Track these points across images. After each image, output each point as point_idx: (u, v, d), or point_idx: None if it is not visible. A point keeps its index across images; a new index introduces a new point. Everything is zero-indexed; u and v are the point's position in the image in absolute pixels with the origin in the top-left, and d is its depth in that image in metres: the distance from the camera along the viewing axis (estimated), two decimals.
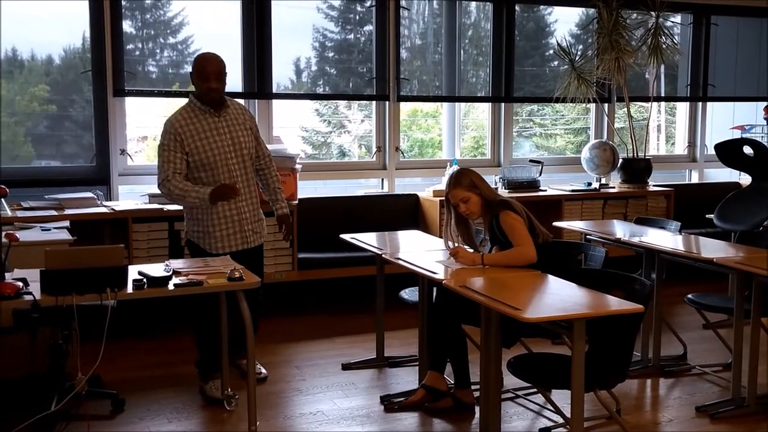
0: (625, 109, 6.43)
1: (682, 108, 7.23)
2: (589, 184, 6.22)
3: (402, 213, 5.75)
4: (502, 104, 6.33)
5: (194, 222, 3.82)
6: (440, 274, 3.33)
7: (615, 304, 2.85)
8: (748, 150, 5.62)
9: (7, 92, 5.02)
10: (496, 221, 3.53)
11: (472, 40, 6.42)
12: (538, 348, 3.80)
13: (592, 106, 6.68)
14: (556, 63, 6.61)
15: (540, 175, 6.08)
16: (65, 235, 3.94)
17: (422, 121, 6.67)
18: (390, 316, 4.38)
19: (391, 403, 3.71)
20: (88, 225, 4.57)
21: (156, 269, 3.20)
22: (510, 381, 3.55)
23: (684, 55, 6.84)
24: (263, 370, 4.08)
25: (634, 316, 2.89)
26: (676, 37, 6.75)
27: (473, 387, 3.64)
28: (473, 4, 6.27)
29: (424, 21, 6.22)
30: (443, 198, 3.74)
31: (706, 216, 5.68)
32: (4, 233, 3.18)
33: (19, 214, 4.44)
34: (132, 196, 5.21)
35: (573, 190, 6.04)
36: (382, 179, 6.02)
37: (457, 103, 6.36)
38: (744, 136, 6.88)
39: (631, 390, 3.97)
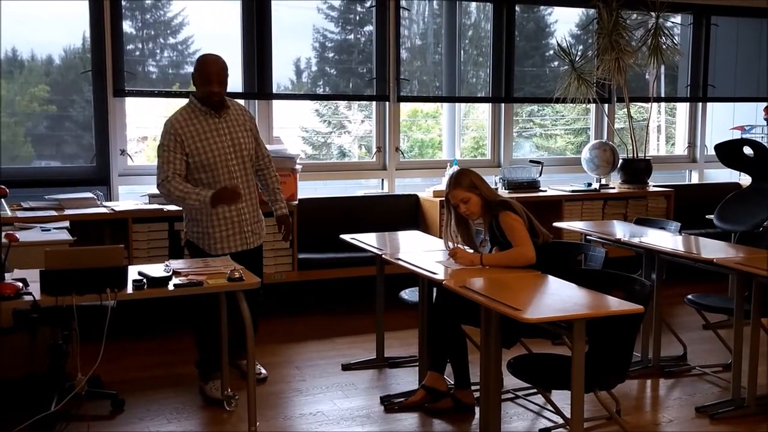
0: (625, 109, 6.43)
1: (682, 108, 7.24)
2: (589, 184, 6.22)
3: (402, 213, 5.75)
4: (502, 105, 6.34)
5: (194, 223, 3.81)
6: (440, 275, 3.33)
7: (615, 304, 2.85)
8: (748, 150, 5.62)
9: (7, 92, 5.02)
10: (495, 222, 3.53)
11: (473, 41, 6.42)
12: (538, 348, 3.80)
13: (592, 106, 6.68)
14: (556, 63, 6.61)
15: (540, 175, 6.08)
16: (65, 236, 3.94)
17: (422, 121, 6.67)
18: (390, 317, 4.38)
19: (391, 404, 3.71)
20: (88, 225, 4.57)
21: (156, 269, 3.20)
22: (510, 381, 3.55)
23: (684, 55, 6.85)
24: (263, 371, 4.08)
25: (634, 317, 2.89)
26: (676, 37, 6.76)
27: (473, 387, 3.64)
28: (473, 4, 6.27)
29: (424, 21, 6.22)
30: (443, 198, 3.74)
31: (706, 216, 5.68)
32: (4, 233, 3.18)
33: (19, 214, 4.44)
34: (132, 196, 5.21)
35: (573, 191, 6.04)
36: (382, 180, 6.02)
37: (457, 104, 6.36)
38: (744, 136, 6.88)
39: (631, 390, 3.97)
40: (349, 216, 5.53)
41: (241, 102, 5.05)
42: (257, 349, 3.44)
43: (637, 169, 6.31)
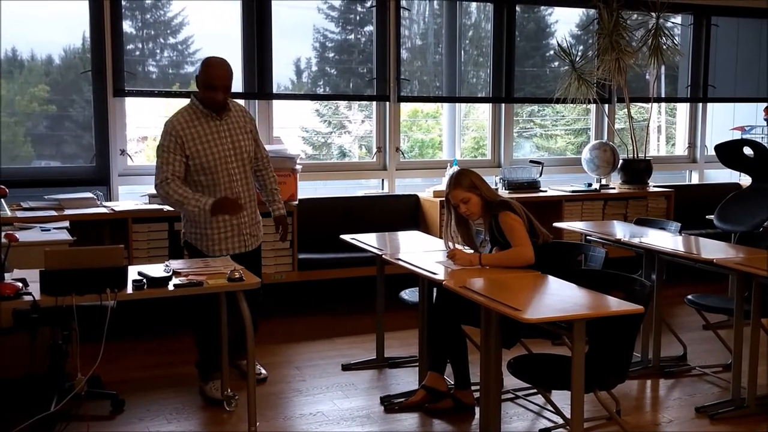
0: (626, 109, 6.43)
1: (683, 109, 7.24)
2: (590, 184, 6.22)
3: (402, 213, 5.75)
4: (503, 105, 6.33)
5: (192, 224, 3.80)
6: (440, 275, 3.32)
7: (615, 304, 2.85)
8: (748, 151, 5.61)
9: (6, 92, 5.02)
10: (495, 222, 3.53)
11: (473, 41, 6.42)
12: (538, 349, 3.80)
13: (593, 106, 6.68)
14: (556, 64, 6.61)
15: (540, 175, 6.08)
16: (65, 236, 3.94)
17: (422, 121, 6.67)
18: (390, 317, 4.38)
19: (391, 404, 3.71)
20: (87, 225, 4.57)
21: (156, 270, 3.19)
22: (510, 382, 3.55)
23: (684, 55, 6.84)
24: (263, 371, 4.08)
25: (634, 317, 2.89)
26: (676, 37, 6.75)
27: (473, 388, 3.64)
28: (474, 4, 6.27)
29: (425, 21, 6.22)
30: (443, 199, 3.74)
31: (706, 217, 5.68)
32: (3, 233, 3.18)
33: (19, 214, 4.44)
34: (132, 196, 5.21)
35: (573, 191, 6.04)
36: (383, 180, 6.02)
37: (457, 104, 6.36)
38: (744, 137, 6.87)
39: (631, 391, 3.97)
40: (349, 216, 5.53)
41: (241, 102, 5.05)
42: (257, 350, 3.44)
43: (638, 170, 6.31)
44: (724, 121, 7.39)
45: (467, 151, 6.60)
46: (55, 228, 4.10)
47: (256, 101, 5.53)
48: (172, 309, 4.04)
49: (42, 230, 4.04)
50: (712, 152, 6.49)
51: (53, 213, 4.51)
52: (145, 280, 3.03)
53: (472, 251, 3.62)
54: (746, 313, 3.65)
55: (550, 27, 6.69)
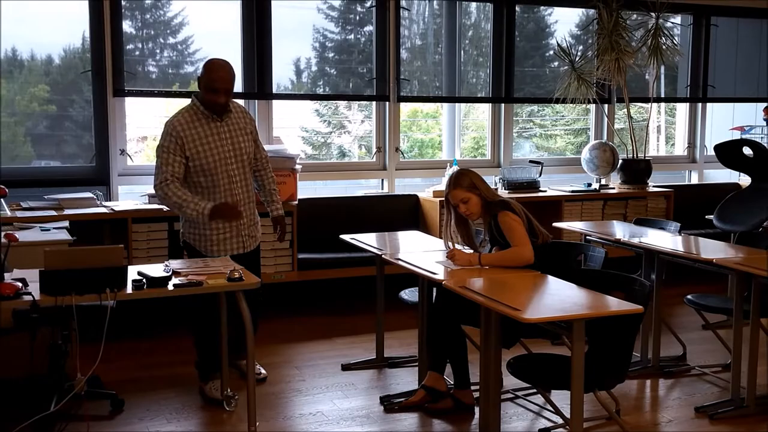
0: (625, 109, 6.44)
1: (682, 109, 7.24)
2: (589, 184, 6.22)
3: (402, 213, 5.75)
4: (502, 105, 6.34)
5: (190, 224, 3.79)
6: (440, 275, 3.33)
7: (614, 304, 2.85)
8: (747, 151, 5.61)
9: (6, 92, 5.02)
10: (494, 222, 3.53)
11: (473, 41, 6.42)
12: (538, 348, 3.80)
13: (592, 106, 6.68)
14: (556, 64, 6.61)
15: (540, 175, 6.08)
16: (65, 236, 3.94)
17: (422, 121, 6.67)
18: (390, 317, 4.38)
19: (390, 404, 3.71)
20: (87, 225, 4.57)
21: (155, 269, 3.20)
22: (509, 381, 3.55)
23: (684, 56, 6.84)
24: (263, 371, 4.08)
25: (633, 317, 2.89)
26: (676, 38, 6.76)
27: (473, 387, 3.64)
28: (473, 4, 6.27)
29: (425, 21, 6.22)
30: (443, 198, 3.74)
31: (706, 217, 5.68)
32: (3, 233, 3.18)
33: (19, 214, 4.44)
34: (131, 196, 5.21)
35: (573, 191, 6.04)
36: (382, 180, 6.02)
37: (457, 104, 6.36)
38: (744, 137, 6.87)
39: (631, 390, 3.97)
40: (349, 216, 5.54)
41: (241, 102, 5.05)
42: (257, 349, 3.44)
43: (637, 170, 6.31)
44: (724, 121, 7.39)
45: (467, 151, 6.60)
46: (54, 228, 4.10)
47: (256, 101, 5.53)
48: (172, 309, 4.04)
49: (42, 230, 4.04)
50: (711, 152, 6.49)
51: (53, 213, 4.51)
52: (144, 280, 3.03)
53: (471, 251, 3.62)
54: (745, 313, 3.65)
55: (550, 27, 6.69)
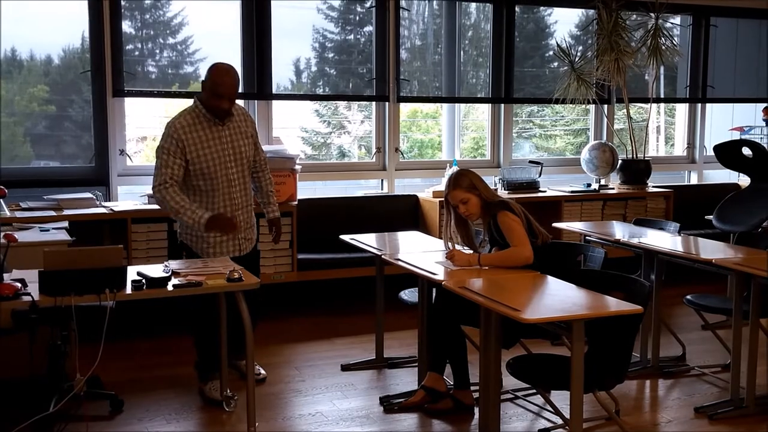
0: (625, 110, 6.44)
1: (682, 109, 7.24)
2: (589, 185, 6.22)
3: (402, 214, 5.75)
4: (502, 105, 6.34)
5: (187, 225, 3.79)
6: (440, 275, 3.33)
7: (614, 305, 2.85)
8: (747, 151, 5.61)
9: (6, 92, 5.02)
10: (494, 222, 3.53)
11: (472, 41, 6.42)
12: (538, 349, 3.80)
13: (592, 107, 6.68)
14: (555, 64, 6.61)
15: (539, 176, 6.08)
16: (64, 236, 3.94)
17: (422, 121, 6.67)
18: (390, 317, 4.38)
19: (390, 404, 3.71)
20: (87, 225, 4.56)
21: (155, 270, 3.20)
22: (509, 382, 3.55)
23: (683, 56, 6.85)
24: (262, 371, 4.08)
25: (633, 317, 2.89)
26: (675, 38, 6.76)
27: (473, 388, 3.64)
28: (473, 5, 6.27)
29: (424, 22, 6.22)
30: (443, 199, 3.74)
31: (705, 217, 5.68)
32: (2, 234, 3.18)
33: (18, 214, 4.44)
34: (131, 196, 5.20)
35: (572, 191, 6.04)
36: (382, 180, 6.02)
37: (456, 104, 6.36)
38: (743, 137, 6.87)
39: (630, 391, 3.97)
40: (348, 216, 5.53)
41: (241, 103, 5.04)
42: (256, 350, 3.44)
43: (637, 170, 6.31)
44: (723, 121, 7.39)
45: (467, 152, 6.60)
46: (54, 228, 4.10)
47: (256, 101, 5.53)
48: (172, 310, 4.04)
49: (41, 230, 4.03)
50: (711, 153, 6.49)
51: (52, 213, 4.51)
52: (144, 281, 3.03)
53: (471, 251, 3.62)
54: (745, 313, 3.65)
55: (550, 27, 6.69)
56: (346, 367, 4.23)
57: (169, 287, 3.05)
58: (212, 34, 5.44)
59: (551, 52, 6.60)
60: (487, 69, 6.30)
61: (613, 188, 6.33)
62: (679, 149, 7.28)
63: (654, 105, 6.85)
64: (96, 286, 2.89)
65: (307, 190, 5.70)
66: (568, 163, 6.68)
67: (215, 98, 3.63)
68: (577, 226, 4.85)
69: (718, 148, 5.72)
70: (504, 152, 6.36)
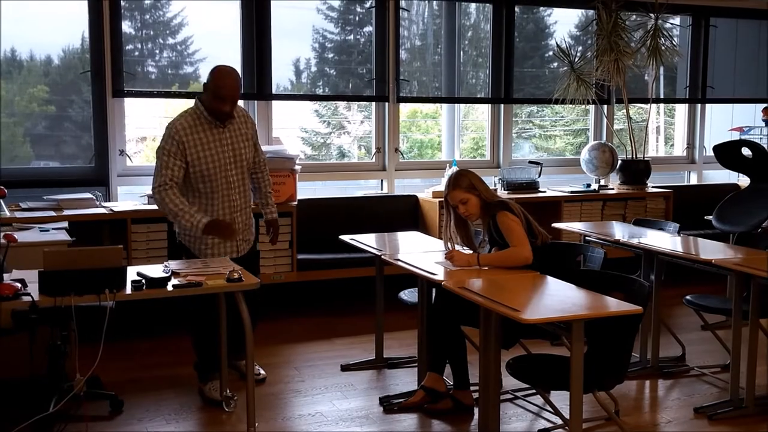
0: (624, 110, 6.44)
1: (681, 109, 7.24)
2: (588, 185, 6.23)
3: (401, 214, 5.75)
4: (502, 105, 6.34)
5: (185, 228, 3.78)
6: (439, 276, 3.33)
7: (614, 305, 2.86)
8: (746, 152, 5.62)
9: (6, 93, 5.02)
10: (493, 222, 3.53)
11: (472, 42, 6.42)
12: (537, 349, 3.80)
13: (592, 107, 6.68)
14: (555, 64, 6.61)
15: (539, 176, 6.08)
16: (64, 236, 3.94)
17: (422, 122, 6.67)
18: (389, 317, 4.38)
19: (390, 405, 3.71)
20: (86, 226, 4.56)
21: (155, 270, 3.20)
22: (509, 382, 3.55)
23: (683, 56, 6.85)
24: (262, 372, 4.08)
25: (632, 318, 2.89)
26: (675, 38, 6.76)
27: (472, 388, 3.64)
28: (473, 5, 6.27)
29: (424, 22, 6.22)
30: (442, 199, 3.74)
31: (705, 217, 5.68)
32: (2, 234, 3.18)
33: (18, 214, 4.44)
34: (131, 196, 5.20)
35: (572, 192, 6.04)
36: (382, 180, 6.02)
37: (456, 105, 6.36)
38: (742, 137, 6.87)
39: (630, 391, 3.97)
40: (348, 216, 5.53)
41: (241, 103, 5.04)
42: (256, 350, 3.44)
43: (636, 170, 6.32)
44: (723, 121, 7.39)
45: (466, 152, 6.60)
46: (53, 228, 4.10)
47: (256, 102, 5.53)
48: (171, 310, 4.04)
49: (41, 231, 4.03)
50: (710, 153, 6.49)
51: (52, 213, 4.51)
52: (144, 281, 3.03)
53: (470, 252, 3.63)
54: (744, 314, 3.65)
55: (549, 28, 6.69)
56: (345, 368, 4.23)
57: (169, 287, 3.05)
58: (212, 35, 5.44)
59: (551, 53, 6.61)
60: (487, 69, 6.31)
61: (612, 188, 6.33)
62: (679, 149, 7.28)
63: (654, 105, 6.86)
64: (96, 287, 2.89)
65: (307, 190, 5.70)
66: (568, 163, 6.68)
67: (217, 100, 3.63)
68: (576, 226, 4.85)
69: (717, 149, 5.72)
70: (504, 152, 6.36)
